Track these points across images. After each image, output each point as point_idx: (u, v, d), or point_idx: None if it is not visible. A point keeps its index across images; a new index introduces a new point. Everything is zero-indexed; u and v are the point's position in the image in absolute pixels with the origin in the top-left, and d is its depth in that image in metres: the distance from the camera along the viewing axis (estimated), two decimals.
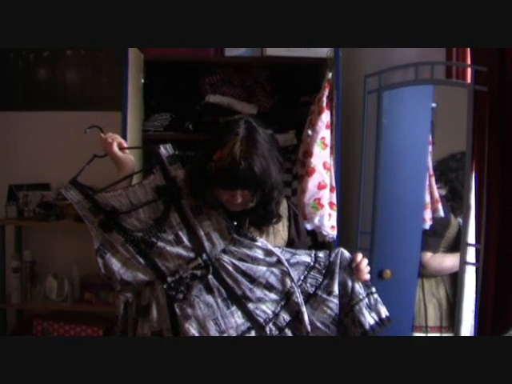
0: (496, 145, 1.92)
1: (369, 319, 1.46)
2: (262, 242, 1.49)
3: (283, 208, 1.61)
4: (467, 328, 2.06)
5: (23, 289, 2.85)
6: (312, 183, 2.16)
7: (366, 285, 1.50)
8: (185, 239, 1.45)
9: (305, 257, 1.50)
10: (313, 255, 1.51)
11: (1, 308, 2.87)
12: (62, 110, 3.00)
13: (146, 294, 1.46)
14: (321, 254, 1.51)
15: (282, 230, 1.59)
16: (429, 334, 2.28)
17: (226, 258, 1.45)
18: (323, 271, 1.48)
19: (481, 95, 1.96)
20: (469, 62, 2.14)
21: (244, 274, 1.44)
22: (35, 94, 3.02)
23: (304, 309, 1.44)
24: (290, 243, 1.60)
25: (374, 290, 1.51)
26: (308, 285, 1.47)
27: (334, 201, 2.21)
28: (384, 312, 1.49)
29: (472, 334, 2.01)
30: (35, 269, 2.90)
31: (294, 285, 1.45)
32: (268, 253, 1.47)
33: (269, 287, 1.44)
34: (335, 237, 2.20)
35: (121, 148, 1.57)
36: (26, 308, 2.97)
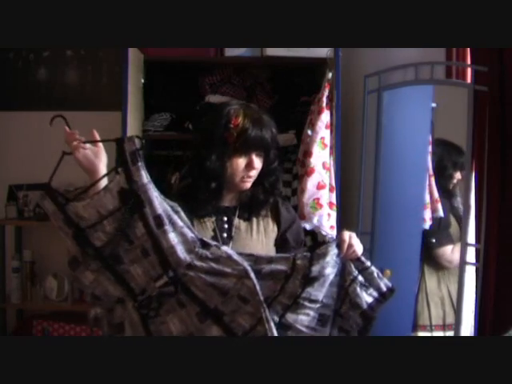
0: (496, 145, 1.92)
1: (366, 298, 1.41)
2: (226, 251, 1.41)
3: (271, 203, 1.62)
4: (467, 328, 2.06)
5: (23, 289, 2.85)
6: (311, 183, 2.16)
7: (360, 261, 1.44)
8: (150, 253, 1.37)
9: (281, 265, 1.41)
10: (291, 262, 1.41)
11: (1, 308, 2.87)
12: (62, 110, 2.98)
13: (118, 311, 1.41)
14: (299, 262, 1.41)
15: (271, 223, 1.60)
16: (433, 333, 2.29)
17: (192, 273, 1.38)
18: (302, 281, 1.40)
19: (481, 95, 1.96)
20: (469, 61, 2.14)
21: (214, 287, 1.38)
22: (35, 94, 3.02)
23: (271, 325, 1.36)
24: (280, 234, 1.60)
25: (367, 264, 1.43)
26: (286, 296, 1.40)
27: (334, 201, 2.21)
28: (385, 284, 1.43)
29: (472, 334, 2.01)
30: (35, 269, 2.90)
31: (262, 304, 1.36)
32: (235, 263, 1.39)
33: (242, 299, 1.37)
34: (335, 237, 2.20)
35: (85, 142, 1.45)
36: (26, 308, 2.97)
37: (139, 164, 1.37)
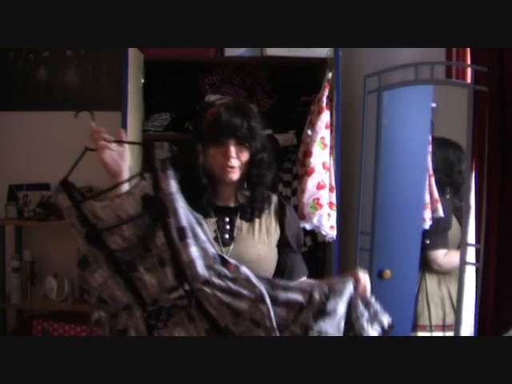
0: (496, 145, 1.93)
1: (371, 333, 1.41)
2: (245, 272, 1.39)
3: (274, 203, 1.62)
4: (467, 328, 2.06)
5: (23, 289, 2.85)
6: (311, 183, 2.16)
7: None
8: (168, 264, 1.35)
9: (298, 295, 1.39)
10: (307, 295, 1.39)
11: (1, 308, 2.87)
12: (62, 110, 3.00)
13: (123, 318, 1.38)
14: (317, 296, 1.39)
15: (274, 225, 1.60)
16: (433, 333, 2.29)
17: (208, 289, 1.35)
18: (316, 313, 1.38)
19: (481, 95, 1.96)
20: (469, 61, 2.14)
21: (228, 306, 1.35)
22: (35, 94, 3.02)
23: None
24: (282, 236, 1.60)
25: (373, 300, 1.45)
26: (298, 326, 1.38)
27: (334, 201, 2.21)
28: (386, 320, 1.44)
29: (472, 334, 2.01)
30: (35, 269, 2.90)
31: (275, 330, 1.35)
32: (252, 286, 1.37)
33: (255, 323, 1.35)
34: (335, 237, 2.20)
35: (115, 141, 1.42)
36: (26, 308, 2.97)
37: (169, 172, 1.36)
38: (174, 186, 1.36)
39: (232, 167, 1.50)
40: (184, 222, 1.35)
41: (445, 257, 2.29)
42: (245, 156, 1.52)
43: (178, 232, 1.34)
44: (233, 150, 1.49)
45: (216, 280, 1.36)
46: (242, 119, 1.49)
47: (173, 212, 1.35)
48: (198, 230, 1.37)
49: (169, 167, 1.36)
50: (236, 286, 1.36)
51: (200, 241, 1.36)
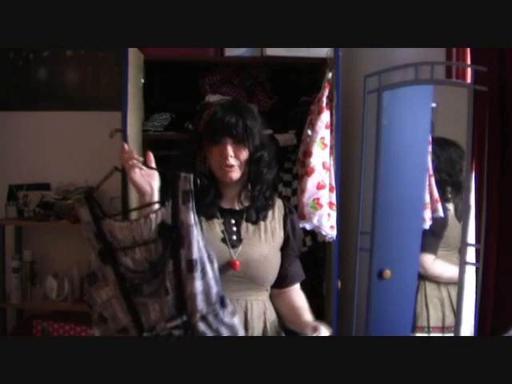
0: (496, 145, 1.93)
1: None
2: (236, 325, 1.40)
3: (278, 207, 1.63)
4: (467, 328, 2.06)
5: (23, 289, 2.86)
6: (311, 183, 2.16)
7: None
8: (170, 292, 1.37)
9: None
10: None
11: (1, 308, 2.88)
12: (61, 110, 3.00)
13: None
14: None
15: (278, 228, 1.61)
16: (431, 335, 2.28)
17: (203, 325, 1.37)
18: None
19: (481, 95, 1.96)
20: (469, 62, 2.14)
21: None
22: (35, 94, 3.02)
23: None
24: (286, 241, 1.61)
25: None
26: None
27: (334, 201, 2.21)
28: None
29: (472, 334, 2.01)
30: (35, 269, 2.91)
31: None
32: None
33: None
34: (335, 237, 2.20)
35: (144, 164, 1.45)
36: (26, 308, 2.97)
37: (190, 205, 1.37)
38: (192, 218, 1.37)
39: (230, 166, 1.51)
40: (195, 255, 1.36)
41: (432, 263, 2.29)
42: (244, 155, 1.52)
43: (188, 263, 1.36)
44: (230, 148, 1.50)
45: (211, 319, 1.37)
46: (237, 117, 1.50)
47: (187, 243, 1.36)
48: (208, 267, 1.38)
49: (191, 199, 1.38)
50: (226, 332, 1.38)
51: (207, 277, 1.37)
